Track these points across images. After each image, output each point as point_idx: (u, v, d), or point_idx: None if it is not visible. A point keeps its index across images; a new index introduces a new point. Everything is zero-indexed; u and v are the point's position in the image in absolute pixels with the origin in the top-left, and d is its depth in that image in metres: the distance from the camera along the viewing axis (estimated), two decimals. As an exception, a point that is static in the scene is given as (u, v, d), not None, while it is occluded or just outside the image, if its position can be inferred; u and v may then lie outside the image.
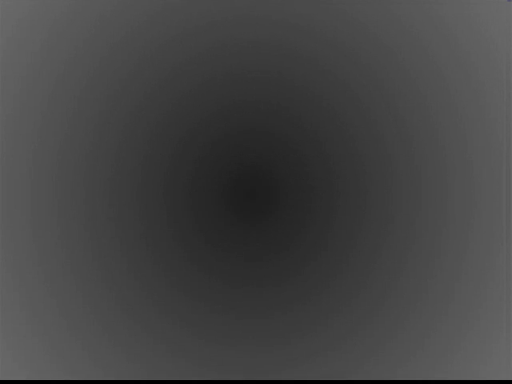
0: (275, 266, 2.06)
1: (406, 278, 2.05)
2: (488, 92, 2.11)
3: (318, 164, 2.00)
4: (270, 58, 2.04)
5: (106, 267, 2.07)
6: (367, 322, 2.03)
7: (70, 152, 2.02)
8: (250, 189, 2.02)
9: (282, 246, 2.05)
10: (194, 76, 2.04)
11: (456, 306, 2.06)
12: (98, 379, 2.10)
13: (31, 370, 2.10)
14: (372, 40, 2.07)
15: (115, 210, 2.06)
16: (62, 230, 2.06)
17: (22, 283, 2.09)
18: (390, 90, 2.04)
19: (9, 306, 2.12)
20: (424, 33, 2.10)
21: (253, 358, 2.09)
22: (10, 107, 1.95)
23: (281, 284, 2.06)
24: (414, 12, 2.12)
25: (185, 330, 2.08)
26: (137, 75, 1.99)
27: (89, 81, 1.96)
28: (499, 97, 2.14)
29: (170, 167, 2.04)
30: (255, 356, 2.08)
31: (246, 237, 2.04)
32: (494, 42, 2.13)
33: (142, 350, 2.08)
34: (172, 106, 2.03)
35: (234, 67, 2.04)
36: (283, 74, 2.04)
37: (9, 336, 2.13)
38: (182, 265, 2.05)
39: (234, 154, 2.02)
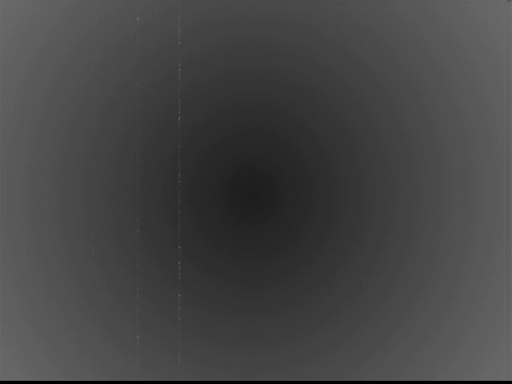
0: (275, 266, 2.06)
1: (406, 278, 2.05)
2: (488, 92, 2.11)
3: (318, 164, 2.00)
4: (271, 58, 2.05)
5: (106, 267, 2.07)
6: (366, 323, 2.03)
7: (70, 151, 2.03)
8: (250, 189, 2.03)
9: (282, 245, 2.05)
10: (193, 76, 2.05)
11: (455, 306, 2.07)
12: (97, 380, 2.10)
13: (30, 369, 2.10)
14: (372, 40, 2.07)
15: (115, 210, 2.06)
16: (62, 226, 2.06)
17: (23, 283, 2.09)
18: (389, 88, 2.04)
19: (9, 306, 2.12)
20: (423, 32, 2.11)
21: (252, 358, 2.09)
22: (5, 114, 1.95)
23: (281, 284, 2.06)
24: (413, 11, 2.13)
25: (185, 331, 2.08)
26: (133, 77, 2.00)
27: (85, 88, 1.96)
28: (499, 97, 2.14)
29: (170, 167, 2.04)
30: (255, 356, 2.08)
31: (246, 237, 2.04)
32: (494, 41, 2.13)
33: (143, 351, 2.08)
34: (171, 106, 2.03)
35: (233, 67, 2.04)
36: (283, 73, 2.04)
37: (9, 336, 2.13)
38: (182, 264, 2.05)
39: (233, 154, 2.02)
